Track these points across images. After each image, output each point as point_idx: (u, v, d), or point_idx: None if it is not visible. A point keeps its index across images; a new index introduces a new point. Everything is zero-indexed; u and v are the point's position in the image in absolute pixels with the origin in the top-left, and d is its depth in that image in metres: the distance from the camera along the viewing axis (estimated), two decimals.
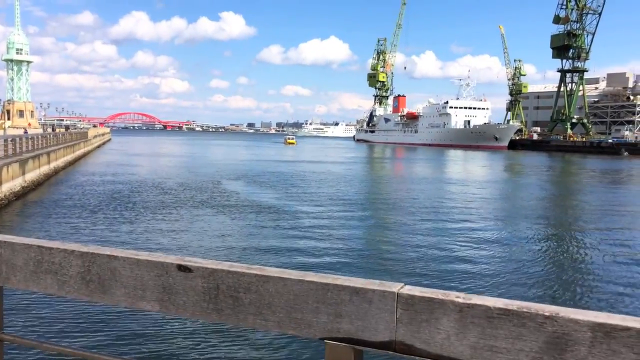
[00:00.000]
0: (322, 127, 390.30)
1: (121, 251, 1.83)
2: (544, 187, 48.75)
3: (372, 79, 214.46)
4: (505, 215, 30.12)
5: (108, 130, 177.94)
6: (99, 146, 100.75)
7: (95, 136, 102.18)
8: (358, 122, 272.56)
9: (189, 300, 1.69)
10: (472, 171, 68.74)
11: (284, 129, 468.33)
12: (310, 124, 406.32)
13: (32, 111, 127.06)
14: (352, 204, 32.49)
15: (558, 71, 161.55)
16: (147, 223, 23.91)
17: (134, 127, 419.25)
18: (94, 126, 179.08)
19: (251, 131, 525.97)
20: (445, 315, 1.37)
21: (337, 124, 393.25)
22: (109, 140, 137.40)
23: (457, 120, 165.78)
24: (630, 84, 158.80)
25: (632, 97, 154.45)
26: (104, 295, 1.82)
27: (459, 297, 1.38)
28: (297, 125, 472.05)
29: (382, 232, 23.99)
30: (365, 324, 1.46)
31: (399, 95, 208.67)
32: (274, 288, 1.57)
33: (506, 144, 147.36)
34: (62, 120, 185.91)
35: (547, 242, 22.92)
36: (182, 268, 1.69)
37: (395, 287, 1.46)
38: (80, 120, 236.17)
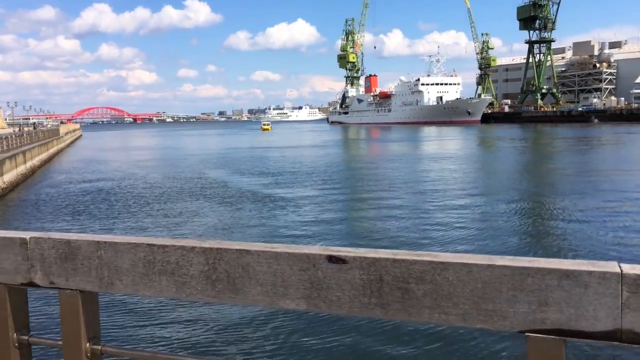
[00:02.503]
0: (285, 111, 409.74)
1: (253, 244, 1.63)
2: (522, 158, 49.47)
3: (342, 60, 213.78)
4: (488, 186, 30.51)
5: (78, 126, 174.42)
6: (71, 143, 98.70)
7: (66, 133, 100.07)
8: (330, 104, 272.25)
9: (344, 295, 1.49)
10: (448, 147, 69.27)
11: (253, 116, 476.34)
12: (274, 109, 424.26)
13: None
14: (337, 185, 32.48)
15: (526, 42, 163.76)
16: (139, 219, 23.47)
17: (102, 121, 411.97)
18: (62, 122, 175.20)
19: (223, 119, 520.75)
20: None
21: (300, 108, 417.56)
22: (80, 136, 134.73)
23: (430, 96, 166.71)
24: (596, 52, 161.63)
25: (598, 65, 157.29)
26: (235, 295, 1.63)
27: None
28: (262, 111, 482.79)
29: (368, 207, 24.04)
30: (581, 311, 1.29)
31: (370, 75, 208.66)
32: (455, 276, 1.38)
33: (479, 118, 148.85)
34: (28, 118, 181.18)
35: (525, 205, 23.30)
36: (333, 259, 1.49)
37: (616, 266, 1.28)
38: (47, 118, 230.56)
